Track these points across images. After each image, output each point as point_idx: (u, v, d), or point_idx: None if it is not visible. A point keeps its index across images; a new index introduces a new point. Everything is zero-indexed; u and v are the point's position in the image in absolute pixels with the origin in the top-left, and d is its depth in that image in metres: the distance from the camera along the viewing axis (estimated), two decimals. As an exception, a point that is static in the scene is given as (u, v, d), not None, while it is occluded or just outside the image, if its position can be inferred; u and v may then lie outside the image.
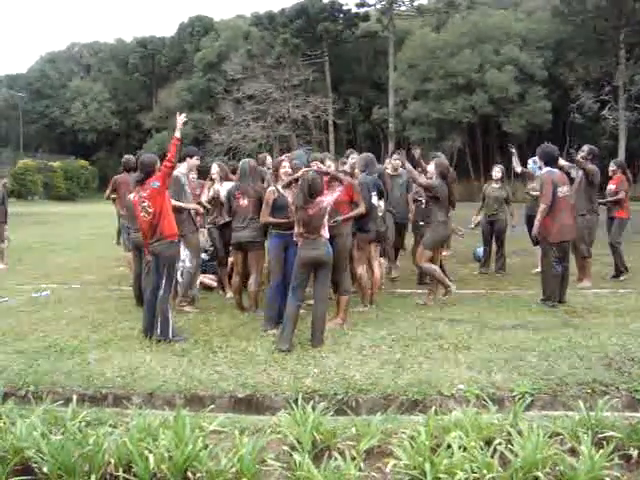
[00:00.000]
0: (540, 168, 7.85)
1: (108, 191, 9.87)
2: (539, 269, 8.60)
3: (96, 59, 67.08)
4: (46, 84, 63.29)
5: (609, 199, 8.96)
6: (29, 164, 43.46)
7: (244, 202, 7.07)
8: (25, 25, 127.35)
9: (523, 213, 9.94)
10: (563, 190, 7.24)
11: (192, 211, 7.50)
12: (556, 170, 7.39)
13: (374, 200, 7.26)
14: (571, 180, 8.06)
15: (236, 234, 7.14)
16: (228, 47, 53.90)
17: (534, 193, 9.12)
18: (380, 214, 7.46)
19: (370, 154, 7.86)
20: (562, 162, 8.11)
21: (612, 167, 9.05)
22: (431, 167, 7.69)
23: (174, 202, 7.12)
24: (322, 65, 49.78)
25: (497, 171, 10.16)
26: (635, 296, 7.72)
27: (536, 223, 7.31)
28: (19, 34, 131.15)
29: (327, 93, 48.68)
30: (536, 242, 8.30)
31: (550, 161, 7.43)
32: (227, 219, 7.68)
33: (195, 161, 7.69)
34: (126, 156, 10.02)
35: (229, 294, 8.16)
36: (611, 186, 8.93)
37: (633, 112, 36.43)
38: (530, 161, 9.88)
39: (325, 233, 5.85)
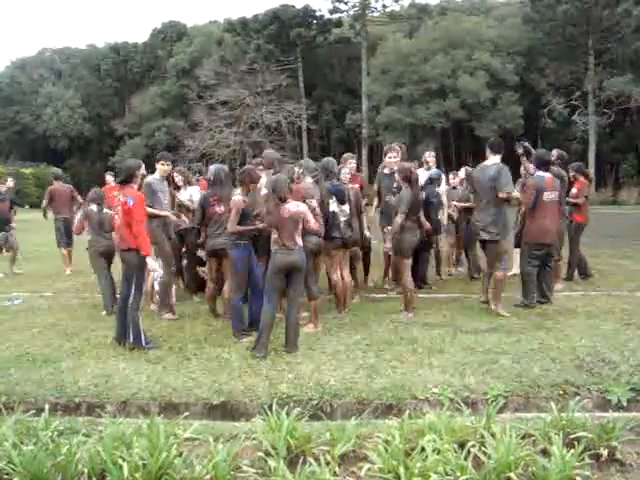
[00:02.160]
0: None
1: (45, 201, 11.64)
2: (514, 271, 8.71)
3: (67, 65, 66.33)
4: (16, 90, 62.41)
5: (570, 201, 8.97)
6: (-1, 170, 42.79)
7: (220, 209, 6.94)
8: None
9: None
10: (550, 195, 7.37)
11: (170, 217, 7.46)
12: (546, 174, 7.47)
13: (333, 207, 7.08)
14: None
15: (211, 241, 7.02)
16: (201, 53, 53.90)
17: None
18: (344, 219, 7.20)
19: (330, 159, 7.63)
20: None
21: (571, 172, 8.99)
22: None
23: (148, 209, 6.99)
24: (295, 71, 49.93)
25: (461, 173, 10.15)
26: (605, 298, 7.85)
27: (518, 224, 7.60)
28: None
29: (300, 99, 48.89)
30: (517, 244, 8.41)
31: (542, 165, 7.55)
32: (189, 225, 7.70)
33: (165, 167, 7.39)
34: (54, 168, 12.50)
35: (195, 298, 8.39)
36: (574, 190, 8.98)
37: (602, 117, 37.18)
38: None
39: (299, 240, 5.85)
